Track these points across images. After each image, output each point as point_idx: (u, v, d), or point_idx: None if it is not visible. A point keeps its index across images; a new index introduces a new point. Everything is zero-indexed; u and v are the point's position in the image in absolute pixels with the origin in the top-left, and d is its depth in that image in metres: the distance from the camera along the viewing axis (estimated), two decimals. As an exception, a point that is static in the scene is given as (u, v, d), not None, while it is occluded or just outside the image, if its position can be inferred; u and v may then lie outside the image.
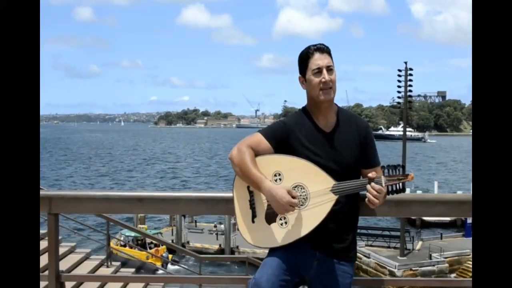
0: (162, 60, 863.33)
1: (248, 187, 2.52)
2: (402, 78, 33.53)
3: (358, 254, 29.12)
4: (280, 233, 2.46)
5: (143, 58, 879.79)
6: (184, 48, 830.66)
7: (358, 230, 31.95)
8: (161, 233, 34.99)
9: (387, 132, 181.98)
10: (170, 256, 29.95)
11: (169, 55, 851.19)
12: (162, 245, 29.98)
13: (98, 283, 6.80)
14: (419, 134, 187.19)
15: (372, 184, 2.37)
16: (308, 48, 2.53)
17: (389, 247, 31.56)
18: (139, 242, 31.74)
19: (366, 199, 2.39)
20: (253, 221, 2.52)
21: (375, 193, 2.36)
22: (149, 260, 26.43)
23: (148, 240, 31.10)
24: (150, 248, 30.34)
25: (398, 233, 31.02)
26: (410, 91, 33.93)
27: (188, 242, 35.01)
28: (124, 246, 29.78)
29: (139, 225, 36.02)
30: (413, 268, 28.20)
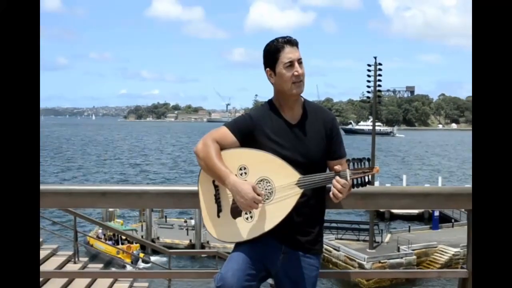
0: (132, 53, 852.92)
1: (213, 181, 2.49)
2: (372, 73, 33.93)
3: (328, 247, 29.67)
4: (246, 228, 2.45)
5: (112, 50, 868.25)
6: (155, 40, 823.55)
7: (328, 224, 32.12)
8: (136, 230, 34.63)
9: (357, 127, 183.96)
10: (141, 254, 29.69)
11: (139, 47, 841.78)
12: (136, 243, 29.68)
13: (65, 279, 6.69)
14: (388, 129, 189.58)
15: (337, 178, 2.37)
16: (277, 40, 2.48)
17: (358, 240, 31.94)
18: (114, 237, 31.42)
19: (330, 193, 2.39)
20: (218, 216, 2.49)
21: (339, 187, 2.36)
22: (119, 256, 26.23)
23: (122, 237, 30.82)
24: (123, 244, 30.07)
25: (367, 226, 31.44)
26: (380, 86, 34.37)
27: (158, 238, 34.73)
28: (99, 239, 29.61)
29: (116, 220, 35.72)
30: (382, 261, 28.60)
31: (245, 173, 2.44)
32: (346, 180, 2.37)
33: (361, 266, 27.97)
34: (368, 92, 35.06)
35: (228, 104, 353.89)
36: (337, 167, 2.40)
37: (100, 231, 31.60)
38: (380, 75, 33.91)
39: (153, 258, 25.06)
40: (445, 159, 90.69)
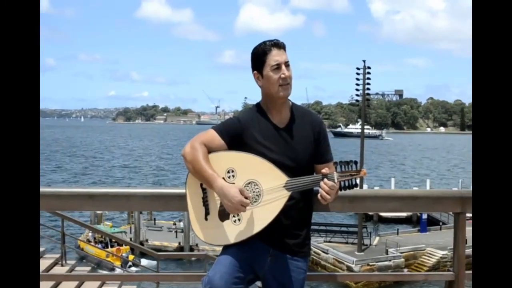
0: (122, 54, 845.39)
1: (201, 184, 2.49)
2: (361, 77, 34.17)
3: (317, 250, 29.74)
4: (233, 231, 2.44)
5: (102, 52, 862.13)
6: (144, 42, 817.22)
7: (317, 227, 32.22)
8: (125, 232, 34.46)
9: (346, 130, 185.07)
10: (131, 256, 29.56)
11: (128, 49, 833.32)
12: (125, 245, 29.58)
13: (52, 283, 6.63)
14: (377, 132, 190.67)
15: (325, 180, 2.37)
16: (264, 43, 2.50)
17: (347, 243, 32.05)
18: (104, 240, 31.28)
19: (319, 195, 2.40)
20: (206, 219, 2.49)
21: (327, 189, 2.36)
22: (108, 259, 26.12)
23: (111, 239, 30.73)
24: (112, 247, 29.91)
25: (356, 229, 31.55)
26: (368, 89, 34.62)
27: (147, 240, 34.62)
28: (89, 242, 29.55)
29: (105, 223, 35.55)
30: (370, 263, 28.71)
31: (233, 175, 2.44)
32: (334, 182, 2.38)
33: (349, 268, 28.05)
34: (357, 95, 35.25)
35: (217, 107, 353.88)
36: (325, 170, 2.41)
37: (90, 234, 31.48)
38: (369, 78, 34.20)
39: (143, 261, 24.95)
40: (433, 162, 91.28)
